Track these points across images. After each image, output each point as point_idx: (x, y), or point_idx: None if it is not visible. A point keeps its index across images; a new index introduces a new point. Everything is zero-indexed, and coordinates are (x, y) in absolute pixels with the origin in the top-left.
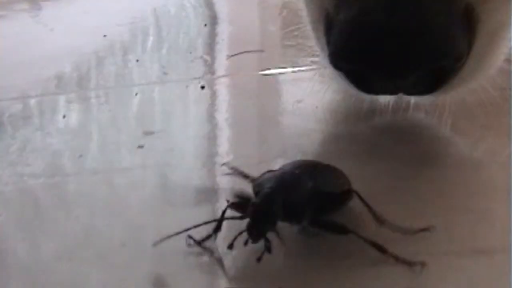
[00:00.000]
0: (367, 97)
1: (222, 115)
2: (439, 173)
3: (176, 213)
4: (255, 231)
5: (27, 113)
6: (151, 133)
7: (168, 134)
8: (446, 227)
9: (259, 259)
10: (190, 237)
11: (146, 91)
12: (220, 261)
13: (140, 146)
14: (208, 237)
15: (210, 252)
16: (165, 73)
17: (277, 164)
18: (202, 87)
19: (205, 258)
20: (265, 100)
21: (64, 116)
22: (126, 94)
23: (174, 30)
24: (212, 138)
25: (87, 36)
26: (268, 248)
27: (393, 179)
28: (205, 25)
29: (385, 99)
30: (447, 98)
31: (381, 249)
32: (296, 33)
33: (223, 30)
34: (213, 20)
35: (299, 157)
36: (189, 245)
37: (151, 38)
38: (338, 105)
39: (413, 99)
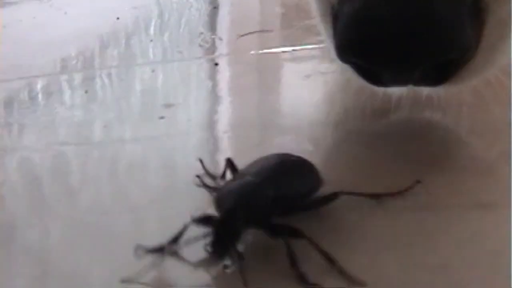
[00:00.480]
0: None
1: (230, 90)
2: (447, 177)
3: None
4: (219, 249)
5: (52, 89)
6: (171, 105)
7: (184, 107)
8: (448, 182)
9: (226, 267)
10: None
11: (161, 69)
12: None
13: (161, 117)
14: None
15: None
16: (180, 52)
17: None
18: (216, 64)
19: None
20: (273, 76)
21: (86, 91)
22: (141, 71)
23: (180, 13)
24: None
25: (100, 19)
26: (234, 261)
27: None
28: (214, 7)
29: (401, 93)
30: (465, 97)
31: (331, 260)
32: (302, 14)
33: (227, 13)
34: (215, 3)
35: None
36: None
37: (160, 20)
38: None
39: (426, 92)
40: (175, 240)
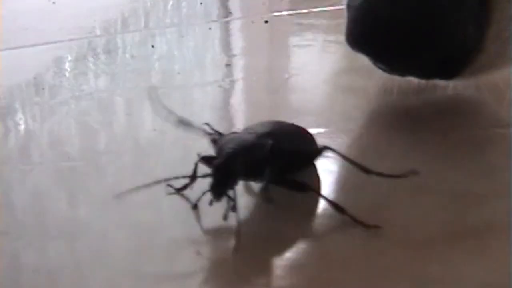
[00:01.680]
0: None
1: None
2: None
3: None
4: (217, 190)
5: (116, 46)
6: (234, 55)
7: (244, 56)
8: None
9: (225, 218)
10: (169, 185)
11: (215, 26)
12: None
13: (228, 65)
14: (185, 186)
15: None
16: (230, 13)
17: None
18: (266, 22)
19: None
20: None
21: (152, 46)
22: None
23: None
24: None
25: None
26: (232, 207)
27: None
28: None
29: None
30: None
31: (340, 209)
32: None
33: None
34: None
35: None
36: (169, 193)
37: None
38: None
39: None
40: (193, 178)
